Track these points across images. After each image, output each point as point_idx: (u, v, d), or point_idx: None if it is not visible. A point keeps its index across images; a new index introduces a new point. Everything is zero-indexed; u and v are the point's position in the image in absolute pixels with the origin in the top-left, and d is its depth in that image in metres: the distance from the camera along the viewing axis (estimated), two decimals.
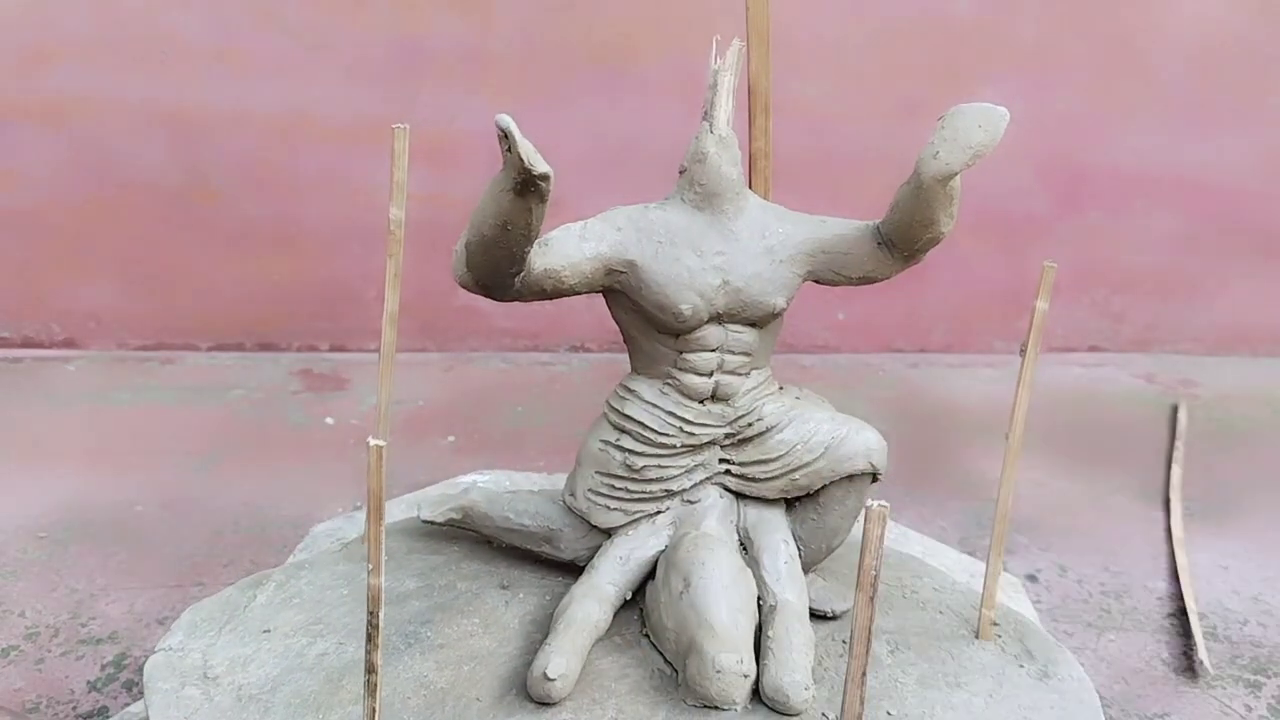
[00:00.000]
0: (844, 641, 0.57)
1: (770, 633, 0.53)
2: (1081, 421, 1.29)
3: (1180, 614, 0.87)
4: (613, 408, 0.59)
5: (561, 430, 1.19)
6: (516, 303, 0.54)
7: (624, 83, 1.39)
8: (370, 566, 0.43)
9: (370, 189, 1.35)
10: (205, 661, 0.54)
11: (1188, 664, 0.80)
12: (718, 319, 0.56)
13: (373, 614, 0.44)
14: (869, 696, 0.43)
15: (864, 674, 0.41)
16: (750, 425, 0.58)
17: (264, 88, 1.36)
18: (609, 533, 0.59)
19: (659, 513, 0.59)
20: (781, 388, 0.60)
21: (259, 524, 0.97)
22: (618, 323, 0.59)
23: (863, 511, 0.51)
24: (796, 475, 0.58)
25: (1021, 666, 0.56)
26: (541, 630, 0.56)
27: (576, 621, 0.54)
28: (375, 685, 0.45)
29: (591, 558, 0.59)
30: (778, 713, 0.50)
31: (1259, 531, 1.02)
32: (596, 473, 0.58)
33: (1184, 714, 0.74)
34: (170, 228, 1.41)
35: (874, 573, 0.39)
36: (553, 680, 0.50)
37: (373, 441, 0.42)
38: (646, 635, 0.56)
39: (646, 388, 0.58)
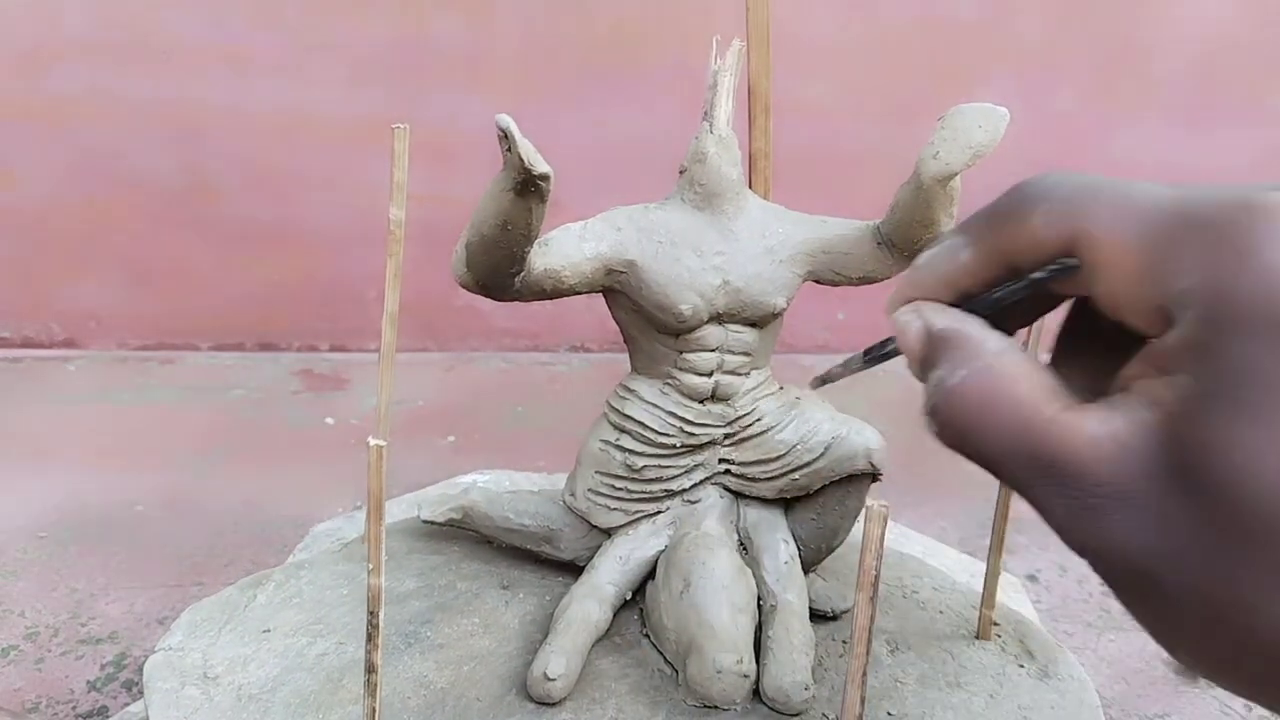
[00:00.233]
0: (844, 641, 0.57)
1: (770, 633, 0.53)
2: None
3: None
4: (613, 408, 0.59)
5: (561, 430, 1.19)
6: (516, 303, 0.54)
7: (624, 83, 1.39)
8: (370, 566, 0.43)
9: (370, 189, 1.35)
10: (205, 661, 0.54)
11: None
12: (718, 319, 0.56)
13: (373, 614, 0.44)
14: (869, 696, 0.43)
15: (864, 674, 0.41)
16: (750, 425, 0.58)
17: (264, 88, 1.36)
18: (609, 533, 0.59)
19: (659, 513, 0.59)
20: (782, 387, 0.60)
21: (259, 524, 0.97)
22: (618, 323, 0.59)
23: (863, 511, 0.51)
24: (796, 475, 0.58)
25: (1021, 666, 0.56)
26: (541, 630, 0.56)
27: (576, 621, 0.54)
28: (375, 685, 0.45)
29: (591, 558, 0.59)
30: (778, 713, 0.50)
31: None
32: (597, 472, 0.58)
33: (1184, 714, 0.74)
34: (170, 228, 1.41)
35: (874, 573, 0.39)
36: (553, 680, 0.50)
37: (373, 441, 0.42)
38: (646, 635, 0.56)
39: (647, 388, 0.58)
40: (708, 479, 0.59)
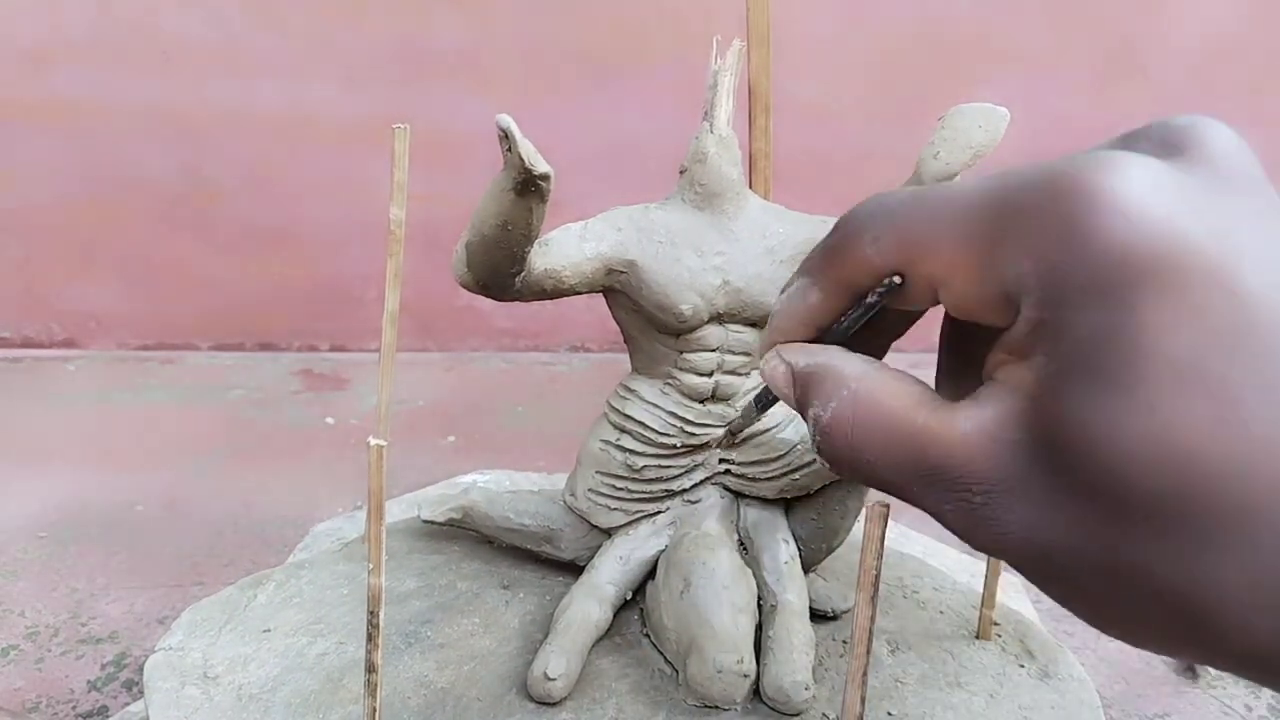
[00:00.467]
0: (844, 641, 0.57)
1: (770, 632, 0.53)
2: None
3: None
4: (613, 408, 0.59)
5: (561, 430, 1.19)
6: (517, 303, 0.54)
7: (624, 83, 1.39)
8: (370, 566, 0.43)
9: (370, 189, 1.35)
10: (205, 661, 0.54)
11: (1188, 664, 0.80)
12: (718, 319, 0.56)
13: (373, 614, 0.44)
14: (869, 696, 0.43)
15: (864, 674, 0.41)
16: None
17: (264, 88, 1.36)
18: (609, 533, 0.59)
19: (659, 513, 0.59)
20: None
21: (259, 524, 0.97)
22: (618, 323, 0.59)
23: (863, 511, 0.51)
24: (796, 475, 0.58)
25: (1022, 666, 0.56)
26: (541, 630, 0.56)
27: (576, 621, 0.54)
28: (375, 685, 0.45)
29: (591, 558, 0.59)
30: (778, 712, 0.50)
31: None
32: (597, 472, 0.58)
33: (1184, 714, 0.74)
34: (171, 228, 1.41)
35: (874, 573, 0.39)
36: (553, 680, 0.50)
37: (373, 441, 0.42)
38: (646, 635, 0.56)
39: (647, 388, 0.58)
40: (708, 479, 0.59)
